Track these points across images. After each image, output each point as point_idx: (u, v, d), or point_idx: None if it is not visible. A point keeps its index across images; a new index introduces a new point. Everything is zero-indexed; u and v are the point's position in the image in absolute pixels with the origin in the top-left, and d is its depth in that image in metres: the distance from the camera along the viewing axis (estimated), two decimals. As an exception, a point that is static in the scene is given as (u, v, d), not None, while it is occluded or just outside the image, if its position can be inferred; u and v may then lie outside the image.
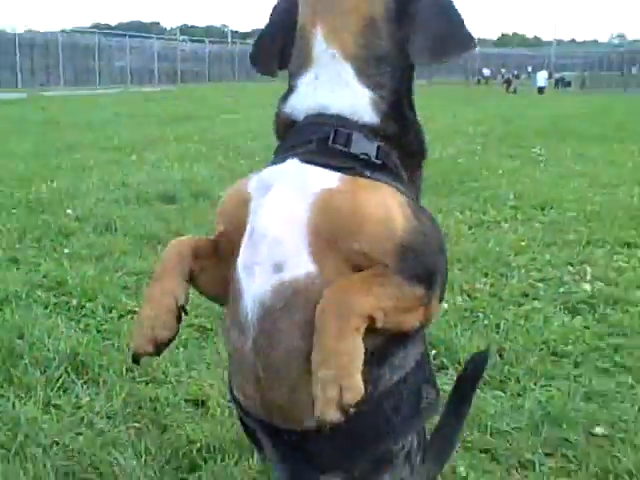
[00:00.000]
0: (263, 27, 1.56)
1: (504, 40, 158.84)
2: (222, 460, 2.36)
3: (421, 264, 1.30)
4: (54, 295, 4.00)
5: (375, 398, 1.33)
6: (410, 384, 1.41)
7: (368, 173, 1.32)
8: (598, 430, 2.61)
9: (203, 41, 56.63)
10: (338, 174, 1.31)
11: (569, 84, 53.34)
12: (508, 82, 45.75)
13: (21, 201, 6.36)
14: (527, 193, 7.16)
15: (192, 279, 1.44)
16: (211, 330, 3.58)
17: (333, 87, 1.36)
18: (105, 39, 45.59)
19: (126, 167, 8.80)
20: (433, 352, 3.19)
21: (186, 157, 9.68)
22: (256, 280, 1.31)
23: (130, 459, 2.37)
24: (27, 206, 6.15)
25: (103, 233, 5.35)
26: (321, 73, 1.37)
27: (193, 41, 57.23)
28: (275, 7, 1.54)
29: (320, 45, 1.36)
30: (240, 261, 1.35)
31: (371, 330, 1.25)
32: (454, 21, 1.41)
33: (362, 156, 1.33)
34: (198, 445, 2.45)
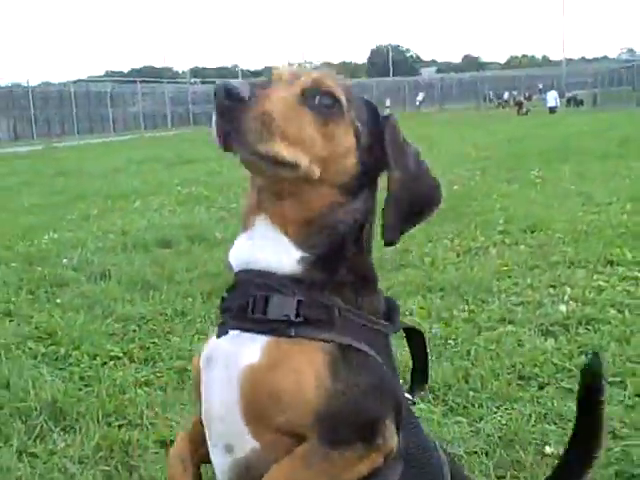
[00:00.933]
0: None
1: (513, 62, 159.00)
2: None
3: (348, 425, 1.34)
4: (43, 345, 4.15)
5: None
6: None
7: (292, 332, 1.38)
8: (548, 449, 2.68)
9: (214, 82, 57.37)
10: (260, 343, 1.38)
11: (581, 102, 53.26)
12: (519, 104, 45.78)
13: (21, 254, 6.56)
14: (518, 216, 7.25)
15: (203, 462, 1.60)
16: (190, 372, 3.70)
17: (264, 248, 1.44)
18: (118, 86, 46.46)
19: (128, 214, 9.02)
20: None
21: (189, 201, 9.90)
22: (216, 459, 1.47)
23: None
24: (26, 259, 6.34)
25: (97, 281, 5.52)
26: (256, 238, 1.45)
27: (204, 82, 58.08)
28: None
29: (260, 221, 1.44)
30: (207, 439, 1.51)
31: None
32: (427, 191, 1.49)
33: (282, 318, 1.39)
34: (159, 484, 2.57)
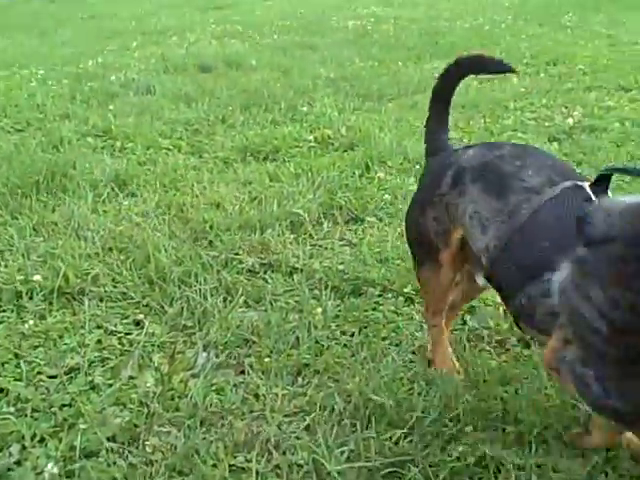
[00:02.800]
0: None
1: None
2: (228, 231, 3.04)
3: None
4: (101, 140, 4.66)
5: None
6: None
7: None
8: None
9: None
10: None
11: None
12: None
13: (71, 74, 6.98)
14: (543, 52, 7.46)
15: None
16: (234, 160, 4.20)
17: None
18: None
19: (167, 46, 9.33)
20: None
21: (223, 36, 10.13)
22: None
23: (160, 236, 3.04)
24: (76, 77, 6.77)
25: (144, 95, 5.97)
26: None
27: None
28: None
29: None
30: None
31: None
32: None
33: None
34: (210, 224, 3.11)
